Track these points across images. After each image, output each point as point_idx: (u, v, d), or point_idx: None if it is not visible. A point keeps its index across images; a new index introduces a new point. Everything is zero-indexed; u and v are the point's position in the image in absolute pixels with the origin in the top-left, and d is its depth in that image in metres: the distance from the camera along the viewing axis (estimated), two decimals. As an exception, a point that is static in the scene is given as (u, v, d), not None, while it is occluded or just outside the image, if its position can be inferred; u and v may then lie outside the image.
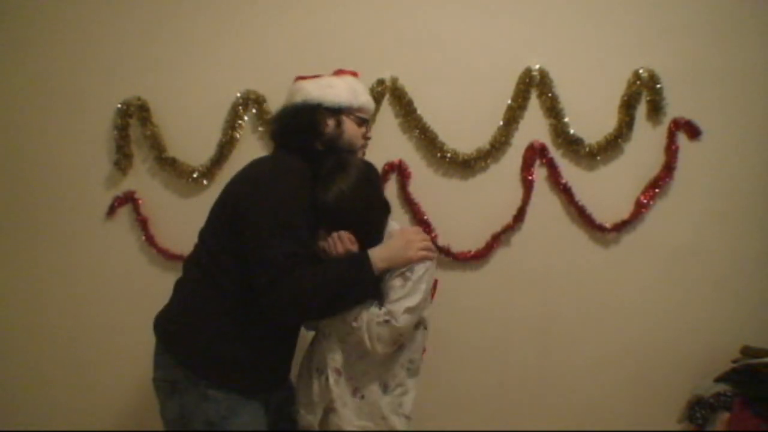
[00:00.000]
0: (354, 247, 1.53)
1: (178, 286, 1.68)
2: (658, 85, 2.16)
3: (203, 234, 1.64)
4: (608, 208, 2.21)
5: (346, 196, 1.50)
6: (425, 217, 2.23)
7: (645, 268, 2.25)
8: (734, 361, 2.16)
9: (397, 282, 1.50)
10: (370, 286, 1.50)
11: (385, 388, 1.56)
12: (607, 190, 2.22)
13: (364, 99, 1.70)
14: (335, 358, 1.57)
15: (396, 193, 2.27)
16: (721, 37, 2.17)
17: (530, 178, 2.21)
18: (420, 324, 1.58)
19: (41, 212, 2.38)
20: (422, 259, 1.52)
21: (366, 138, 1.72)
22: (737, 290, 2.24)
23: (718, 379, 2.14)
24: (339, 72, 1.74)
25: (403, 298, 1.48)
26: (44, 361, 2.44)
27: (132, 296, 2.33)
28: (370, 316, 1.48)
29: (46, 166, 2.37)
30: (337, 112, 1.62)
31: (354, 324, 1.49)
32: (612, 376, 2.29)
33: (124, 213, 2.35)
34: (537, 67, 2.19)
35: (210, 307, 1.55)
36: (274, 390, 1.68)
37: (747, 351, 2.16)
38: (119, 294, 2.36)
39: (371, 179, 1.59)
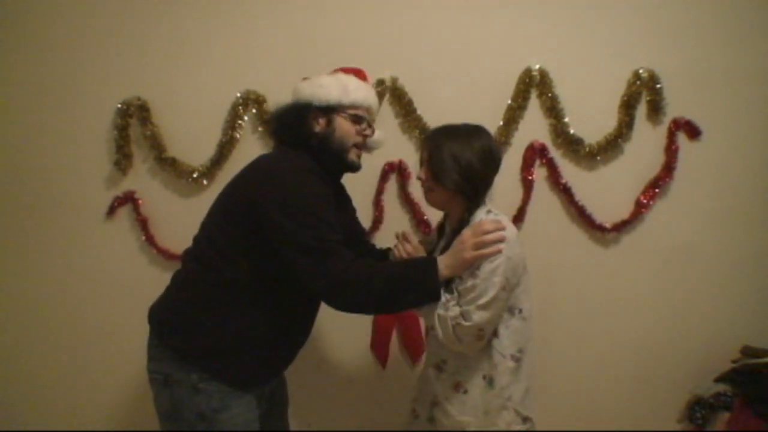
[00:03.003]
0: (420, 252, 1.63)
1: (176, 278, 1.67)
2: (658, 85, 2.16)
3: (208, 228, 1.63)
4: (608, 208, 2.21)
5: (463, 156, 1.52)
6: (425, 217, 2.23)
7: (645, 268, 2.25)
8: (734, 361, 2.16)
9: (468, 283, 1.48)
10: (433, 291, 1.49)
11: (490, 382, 1.52)
12: (607, 190, 2.22)
13: (356, 96, 1.64)
14: (436, 354, 1.59)
15: (396, 193, 2.27)
16: (721, 37, 2.17)
17: (530, 178, 2.22)
18: (514, 309, 1.53)
19: (41, 212, 2.38)
20: (478, 259, 1.46)
21: (363, 135, 1.67)
22: (737, 290, 2.24)
23: (718, 379, 2.14)
24: (342, 70, 1.71)
25: (477, 297, 1.46)
26: (44, 361, 2.44)
27: (132, 296, 2.33)
28: (442, 320, 1.48)
29: (46, 166, 2.37)
30: (328, 110, 1.62)
31: (428, 324, 1.53)
32: (612, 375, 2.29)
33: (124, 213, 2.35)
34: (537, 67, 2.19)
35: (208, 301, 1.55)
36: (268, 382, 1.69)
37: (747, 351, 2.16)
38: (119, 294, 2.36)
39: (492, 159, 1.58)
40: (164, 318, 1.61)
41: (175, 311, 1.59)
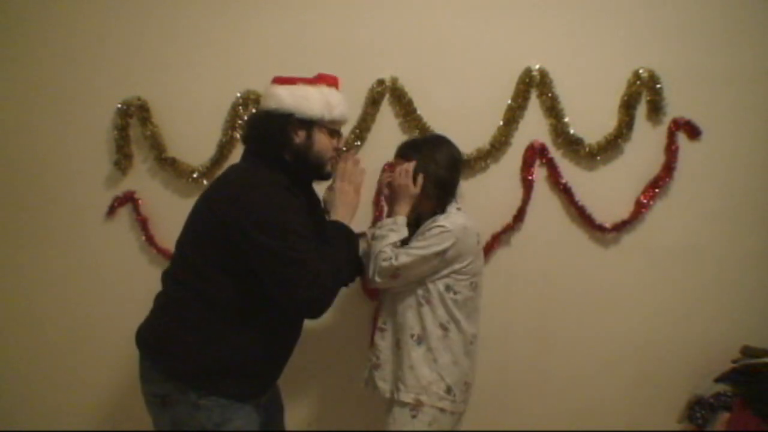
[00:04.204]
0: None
1: (160, 299, 1.68)
2: (658, 85, 2.16)
3: (183, 248, 1.63)
4: (608, 208, 2.21)
5: (430, 166, 1.76)
6: (425, 217, 2.23)
7: (645, 268, 2.24)
8: (734, 361, 2.15)
9: (418, 237, 1.73)
10: (356, 244, 1.73)
11: (419, 340, 1.73)
12: (607, 190, 2.21)
13: (338, 112, 1.66)
14: (381, 318, 1.83)
15: (396, 193, 2.27)
16: (721, 37, 2.17)
17: (530, 178, 2.21)
18: (450, 290, 1.73)
19: (41, 212, 2.38)
20: (357, 190, 1.74)
21: (336, 150, 1.72)
22: (737, 290, 2.23)
23: (718, 379, 2.14)
24: (319, 77, 1.69)
25: (415, 247, 1.69)
26: (44, 361, 2.44)
27: (132, 296, 2.32)
28: (382, 252, 1.70)
29: (46, 166, 2.37)
30: (309, 124, 1.62)
31: (374, 249, 1.72)
32: (612, 376, 2.29)
33: (124, 213, 2.35)
34: (537, 67, 2.19)
35: (197, 320, 1.56)
36: (264, 393, 1.70)
37: (747, 351, 2.16)
38: (119, 294, 2.36)
39: (455, 165, 1.82)
40: (153, 341, 1.62)
41: (163, 334, 1.60)
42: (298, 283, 1.47)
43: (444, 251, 1.68)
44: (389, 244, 1.71)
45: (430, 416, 1.71)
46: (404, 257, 1.67)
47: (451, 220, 1.73)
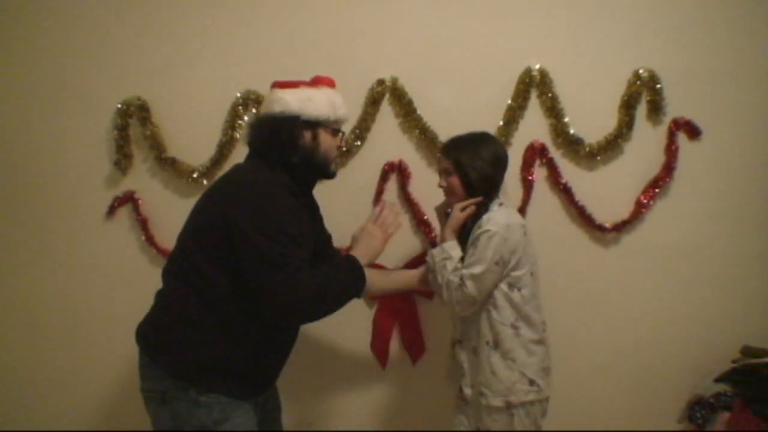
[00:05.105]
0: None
1: (160, 296, 1.69)
2: (658, 85, 2.16)
3: (184, 245, 1.64)
4: (608, 208, 2.21)
5: (476, 164, 1.79)
6: (425, 217, 2.23)
7: (645, 268, 2.24)
8: (734, 361, 2.15)
9: (470, 250, 1.75)
10: (360, 281, 1.68)
11: (494, 345, 1.76)
12: (607, 190, 2.22)
13: (342, 112, 1.72)
14: (455, 331, 1.88)
15: (396, 193, 2.27)
16: (721, 37, 2.17)
17: (530, 178, 2.21)
18: (514, 287, 1.76)
19: (41, 212, 2.39)
20: (386, 242, 1.81)
21: (339, 148, 1.77)
22: (737, 290, 2.23)
23: (718, 379, 2.14)
24: (316, 79, 1.73)
25: (472, 265, 1.72)
26: (44, 362, 2.44)
27: (132, 296, 2.32)
28: (450, 285, 1.73)
29: (47, 166, 2.37)
30: (315, 125, 1.65)
31: (440, 281, 1.77)
32: (612, 376, 2.29)
33: (124, 213, 2.35)
34: (537, 67, 2.19)
35: (197, 317, 1.56)
36: (263, 393, 1.71)
37: (747, 351, 2.15)
38: (119, 294, 2.36)
39: (498, 162, 1.84)
40: (153, 338, 1.62)
41: (163, 331, 1.61)
42: (278, 287, 1.47)
43: (499, 256, 1.71)
44: (451, 272, 1.75)
45: (523, 412, 1.76)
46: (471, 285, 1.70)
47: (494, 221, 1.74)
